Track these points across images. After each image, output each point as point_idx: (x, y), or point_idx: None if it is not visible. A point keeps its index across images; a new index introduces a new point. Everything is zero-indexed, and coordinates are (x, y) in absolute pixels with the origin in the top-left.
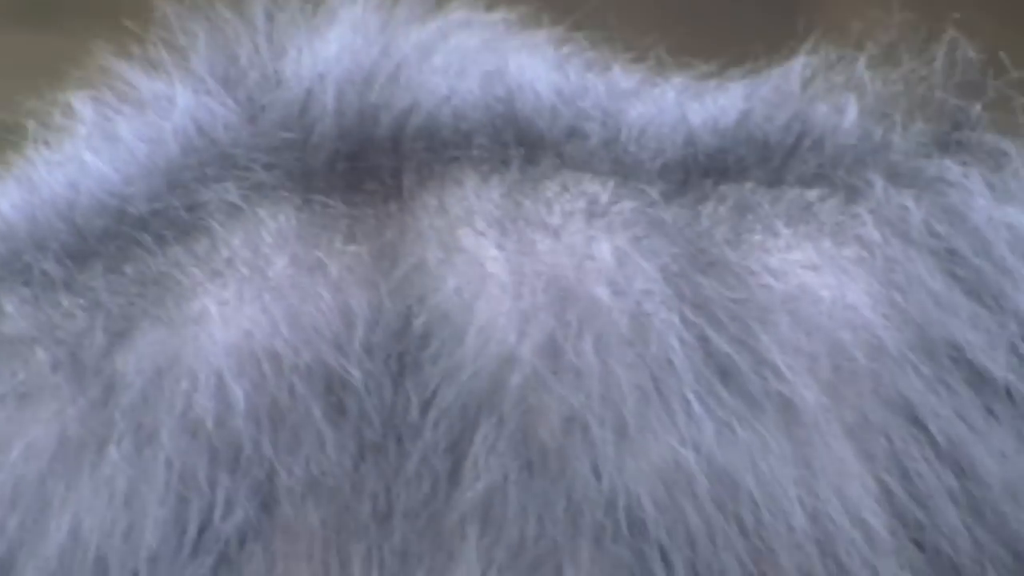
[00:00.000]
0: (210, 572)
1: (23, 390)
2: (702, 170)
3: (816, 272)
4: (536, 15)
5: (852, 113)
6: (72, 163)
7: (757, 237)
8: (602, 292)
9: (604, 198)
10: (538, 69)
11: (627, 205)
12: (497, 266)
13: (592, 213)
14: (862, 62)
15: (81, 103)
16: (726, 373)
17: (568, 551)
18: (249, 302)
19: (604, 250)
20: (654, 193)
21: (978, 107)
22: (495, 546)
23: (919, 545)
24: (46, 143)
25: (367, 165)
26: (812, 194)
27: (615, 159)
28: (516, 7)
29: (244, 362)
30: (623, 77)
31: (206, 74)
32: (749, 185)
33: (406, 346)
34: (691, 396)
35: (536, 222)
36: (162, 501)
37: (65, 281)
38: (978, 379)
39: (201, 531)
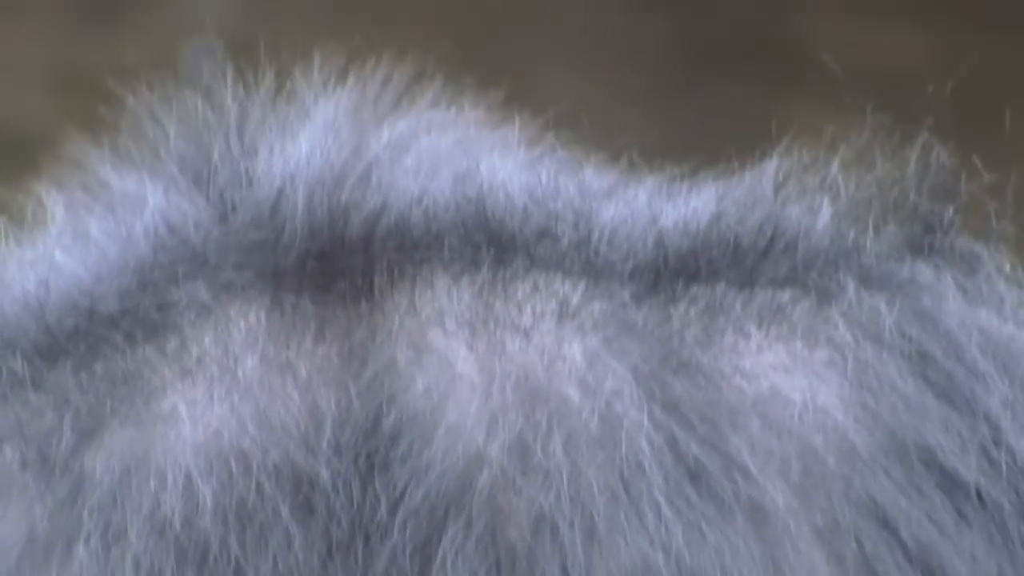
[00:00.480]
0: None
1: None
2: (673, 272)
3: (787, 374)
4: (508, 114)
5: (825, 215)
6: (43, 261)
7: (728, 339)
8: (572, 392)
9: (575, 299)
10: (510, 170)
11: (598, 306)
12: (467, 367)
13: (563, 314)
14: (835, 164)
15: (52, 200)
16: (696, 475)
17: None
18: (218, 401)
19: (575, 351)
20: (625, 295)
21: (951, 210)
22: None
23: None
24: (17, 240)
25: (338, 265)
26: (784, 296)
27: (586, 260)
28: (488, 105)
29: (212, 461)
30: (595, 178)
31: (177, 171)
32: (720, 287)
33: (375, 446)
34: (660, 498)
35: (507, 323)
36: None
37: (34, 379)
38: (949, 482)
39: None
